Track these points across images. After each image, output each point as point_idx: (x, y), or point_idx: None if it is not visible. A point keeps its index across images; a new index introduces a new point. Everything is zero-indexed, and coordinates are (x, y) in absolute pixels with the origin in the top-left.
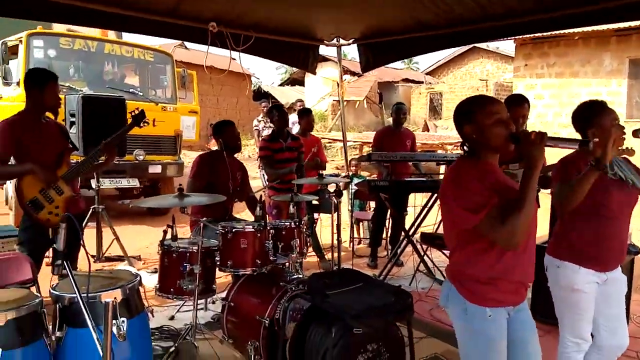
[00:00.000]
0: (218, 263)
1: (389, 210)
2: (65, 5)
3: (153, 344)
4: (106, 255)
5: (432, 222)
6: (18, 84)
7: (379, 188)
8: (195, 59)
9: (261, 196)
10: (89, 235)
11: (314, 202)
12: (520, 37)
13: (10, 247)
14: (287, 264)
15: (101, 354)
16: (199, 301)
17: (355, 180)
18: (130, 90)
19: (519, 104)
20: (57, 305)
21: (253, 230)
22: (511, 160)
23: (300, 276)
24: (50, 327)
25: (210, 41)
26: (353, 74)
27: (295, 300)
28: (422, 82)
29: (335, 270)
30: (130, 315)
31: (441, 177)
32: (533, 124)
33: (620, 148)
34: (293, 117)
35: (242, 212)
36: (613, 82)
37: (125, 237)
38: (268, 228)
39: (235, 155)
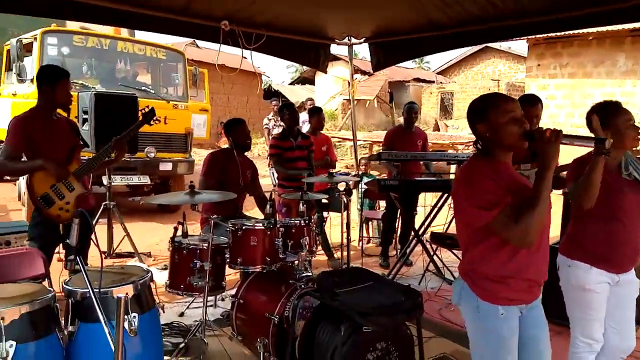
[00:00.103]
0: (228, 260)
1: (399, 210)
2: (79, 3)
3: (163, 339)
4: (117, 252)
5: (442, 222)
6: (32, 81)
7: (388, 187)
8: (206, 57)
9: (271, 194)
10: (99, 231)
11: (324, 200)
12: (533, 37)
13: (23, 242)
14: (296, 262)
15: (113, 348)
16: (209, 298)
17: (365, 180)
18: (142, 88)
19: (532, 104)
20: (70, 300)
21: (263, 228)
22: (523, 160)
23: (310, 274)
24: (63, 321)
25: (222, 39)
26: (364, 73)
27: (304, 298)
28: (433, 82)
29: (345, 269)
30: (141, 311)
31: (451, 177)
32: (545, 125)
33: (635, 148)
34: (303, 116)
35: (252, 210)
36: (627, 83)
37: (135, 233)
38: (278, 226)
39: (246, 154)
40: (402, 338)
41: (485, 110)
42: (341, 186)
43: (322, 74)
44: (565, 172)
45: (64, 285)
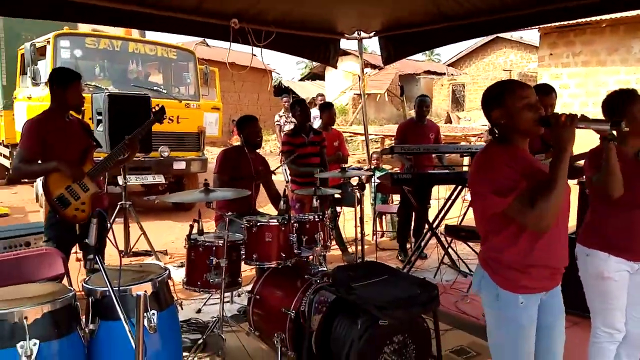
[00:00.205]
0: (243, 256)
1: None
2: (89, 6)
3: (182, 336)
4: (133, 250)
5: (456, 214)
6: (46, 84)
7: (401, 181)
8: (216, 55)
9: (284, 190)
10: (116, 230)
11: (337, 195)
12: (545, 25)
13: (41, 243)
14: (311, 257)
15: (133, 345)
16: (225, 294)
17: (378, 174)
18: (155, 88)
19: (546, 93)
20: (90, 299)
21: (277, 223)
22: (536, 151)
23: (325, 269)
24: (83, 320)
25: (232, 38)
26: (374, 67)
27: (320, 293)
28: (444, 74)
29: (360, 263)
30: (160, 308)
31: (465, 169)
32: None
33: None
34: (314, 112)
35: (266, 207)
36: None
37: (151, 232)
38: (292, 222)
39: (257, 151)
40: (419, 331)
41: (502, 96)
42: (354, 181)
43: (332, 69)
44: (580, 162)
45: (84, 284)
